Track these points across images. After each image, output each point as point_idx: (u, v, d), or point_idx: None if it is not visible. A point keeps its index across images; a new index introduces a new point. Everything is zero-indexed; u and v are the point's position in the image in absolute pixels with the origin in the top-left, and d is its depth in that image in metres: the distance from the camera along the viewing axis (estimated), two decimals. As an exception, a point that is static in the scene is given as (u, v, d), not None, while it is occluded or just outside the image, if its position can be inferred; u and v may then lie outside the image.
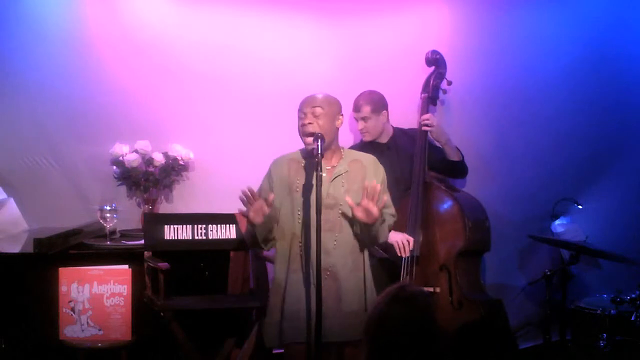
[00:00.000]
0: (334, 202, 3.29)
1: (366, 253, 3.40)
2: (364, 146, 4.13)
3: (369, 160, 3.44)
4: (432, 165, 4.30)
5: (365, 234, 3.29)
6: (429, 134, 4.28)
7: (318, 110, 3.28)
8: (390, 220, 3.40)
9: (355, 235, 3.33)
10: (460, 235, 4.12)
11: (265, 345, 3.43)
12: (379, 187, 3.18)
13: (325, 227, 3.17)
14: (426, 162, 4.22)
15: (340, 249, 3.29)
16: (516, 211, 4.73)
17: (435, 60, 4.39)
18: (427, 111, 4.33)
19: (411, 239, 3.93)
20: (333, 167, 3.34)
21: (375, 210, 3.15)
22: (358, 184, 3.31)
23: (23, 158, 4.47)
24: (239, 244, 4.23)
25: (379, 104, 4.24)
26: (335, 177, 3.32)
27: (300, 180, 3.32)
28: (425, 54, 4.39)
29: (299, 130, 3.32)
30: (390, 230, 3.46)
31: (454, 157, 4.32)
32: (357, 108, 4.25)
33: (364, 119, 4.23)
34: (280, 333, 3.31)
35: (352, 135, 4.44)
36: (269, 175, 3.41)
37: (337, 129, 3.36)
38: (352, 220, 3.29)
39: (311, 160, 3.26)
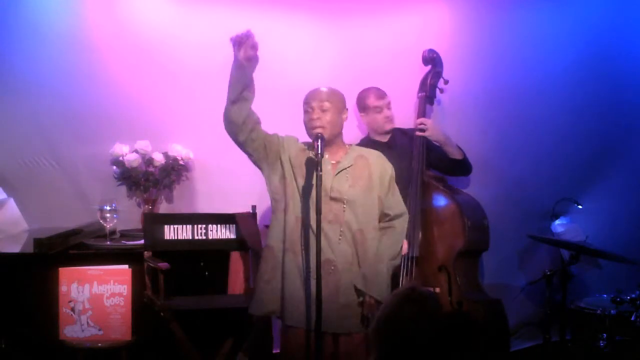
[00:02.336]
0: (338, 196, 3.28)
1: None
2: (367, 145, 4.12)
3: (374, 156, 3.44)
4: (434, 164, 4.31)
5: None
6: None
7: (326, 104, 3.28)
8: (399, 226, 3.38)
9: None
10: (460, 235, 4.12)
11: (249, 312, 3.43)
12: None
13: (329, 218, 3.19)
14: (424, 163, 4.23)
15: (344, 242, 3.28)
16: (516, 211, 4.72)
17: (432, 59, 4.40)
18: (424, 110, 4.34)
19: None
20: (338, 161, 3.34)
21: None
22: (364, 180, 3.31)
23: (23, 158, 4.48)
24: (239, 244, 4.23)
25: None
26: (340, 172, 3.32)
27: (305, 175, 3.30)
28: (422, 53, 4.40)
29: (305, 124, 3.32)
30: (404, 232, 3.42)
31: (455, 155, 4.32)
32: (381, 96, 4.26)
33: (388, 105, 4.26)
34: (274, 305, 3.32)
35: (353, 132, 4.43)
36: (280, 136, 3.38)
37: (343, 123, 3.36)
38: (356, 213, 3.29)
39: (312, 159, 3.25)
